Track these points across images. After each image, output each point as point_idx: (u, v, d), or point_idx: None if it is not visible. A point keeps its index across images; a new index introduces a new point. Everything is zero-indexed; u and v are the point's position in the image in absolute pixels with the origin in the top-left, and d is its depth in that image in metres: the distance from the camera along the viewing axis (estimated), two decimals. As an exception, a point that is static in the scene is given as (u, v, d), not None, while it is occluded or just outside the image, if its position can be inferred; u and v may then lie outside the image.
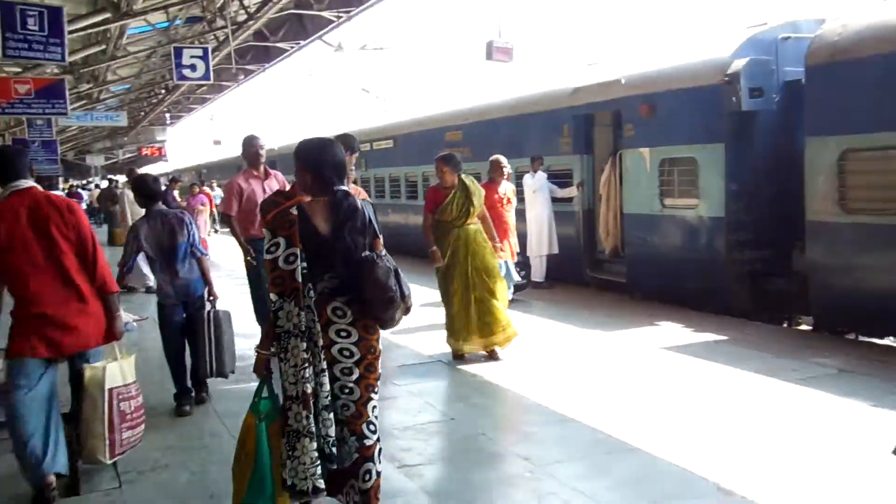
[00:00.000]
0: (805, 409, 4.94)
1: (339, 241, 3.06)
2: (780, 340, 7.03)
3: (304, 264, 3.00)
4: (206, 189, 20.08)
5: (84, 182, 40.32)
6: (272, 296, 3.01)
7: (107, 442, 3.88)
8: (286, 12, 16.21)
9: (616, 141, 10.34)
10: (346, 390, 3.08)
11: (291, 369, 2.97)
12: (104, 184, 30.93)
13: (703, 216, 8.56)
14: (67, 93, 12.92)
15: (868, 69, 6.76)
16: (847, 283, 7.06)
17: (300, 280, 2.97)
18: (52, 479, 3.70)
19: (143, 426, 4.17)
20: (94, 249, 3.88)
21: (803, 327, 8.31)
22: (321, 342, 3.00)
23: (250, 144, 6.55)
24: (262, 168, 6.57)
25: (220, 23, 15.45)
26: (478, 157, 12.70)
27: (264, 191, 6.40)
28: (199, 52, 13.82)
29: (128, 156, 39.41)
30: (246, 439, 3.05)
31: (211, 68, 13.94)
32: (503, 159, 8.47)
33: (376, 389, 3.17)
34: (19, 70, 14.72)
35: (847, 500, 3.60)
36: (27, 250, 3.69)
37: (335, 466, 3.03)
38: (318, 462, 2.94)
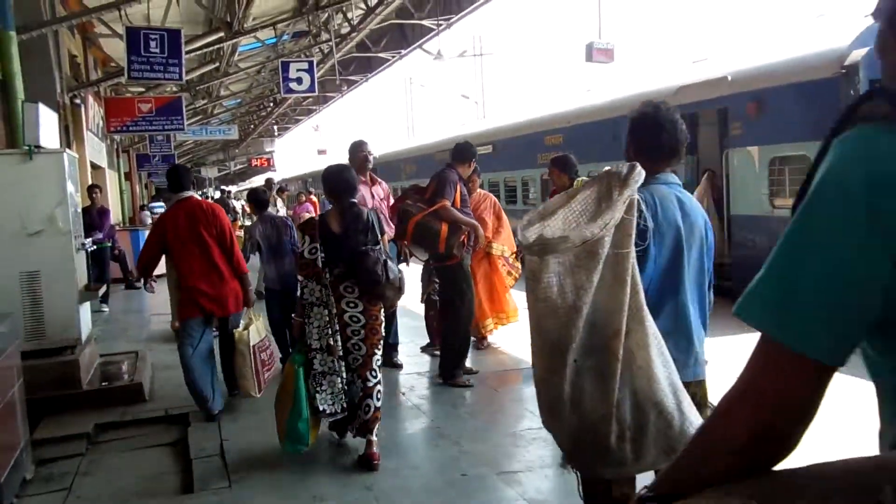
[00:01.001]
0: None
1: (347, 239, 4.22)
2: None
3: (323, 255, 4.17)
4: (313, 197, 20.77)
5: (199, 193, 42.54)
6: (300, 277, 4.28)
7: (254, 382, 5.18)
8: (387, 23, 16.59)
9: (722, 140, 9.98)
10: (356, 347, 4.25)
11: (315, 330, 4.18)
12: (217, 194, 32.54)
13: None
14: (184, 109, 13.68)
15: None
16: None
17: (320, 266, 4.15)
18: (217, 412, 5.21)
19: (276, 365, 5.52)
20: (231, 241, 5.29)
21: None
22: (335, 311, 4.18)
23: (358, 150, 6.45)
24: (368, 174, 6.55)
25: (324, 36, 15.98)
26: (580, 160, 12.56)
27: (372, 197, 6.34)
28: (305, 66, 14.33)
29: (239, 167, 41.28)
30: (286, 382, 4.21)
31: (316, 80, 14.43)
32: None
33: (378, 347, 4.32)
34: (142, 90, 15.73)
35: None
36: (185, 243, 5.14)
37: (348, 401, 4.23)
38: (341, 393, 4.18)
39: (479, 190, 7.33)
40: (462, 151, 6.05)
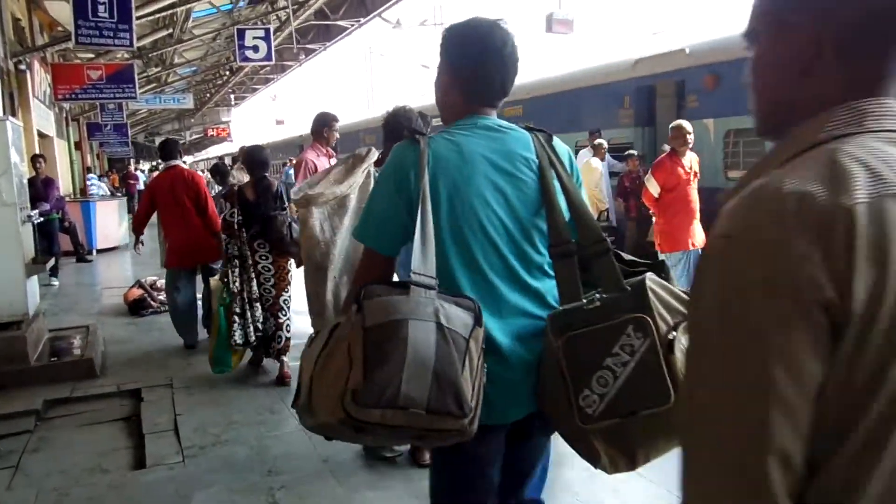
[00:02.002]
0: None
1: (259, 205, 5.21)
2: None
3: (241, 218, 5.14)
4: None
5: (155, 163, 41.59)
6: (224, 236, 5.22)
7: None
8: (346, -11, 16.32)
9: (679, 112, 10.06)
10: (268, 291, 5.25)
11: (235, 278, 5.12)
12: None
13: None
14: (136, 77, 13.30)
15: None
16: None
17: (237, 227, 5.12)
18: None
19: None
20: (205, 203, 6.27)
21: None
22: (250, 262, 5.15)
23: (326, 125, 6.27)
24: (327, 149, 6.38)
25: (281, 3, 15.64)
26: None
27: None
28: (262, 33, 14.03)
29: (194, 137, 40.49)
30: (214, 319, 5.21)
31: (273, 49, 14.15)
32: (687, 125, 6.76)
33: (286, 291, 5.30)
34: (92, 56, 15.24)
35: None
36: (168, 204, 6.19)
37: (261, 333, 5.20)
38: (251, 328, 5.12)
39: None
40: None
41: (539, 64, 14.81)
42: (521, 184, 1.80)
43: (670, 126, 6.77)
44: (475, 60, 1.86)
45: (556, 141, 1.93)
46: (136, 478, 3.85)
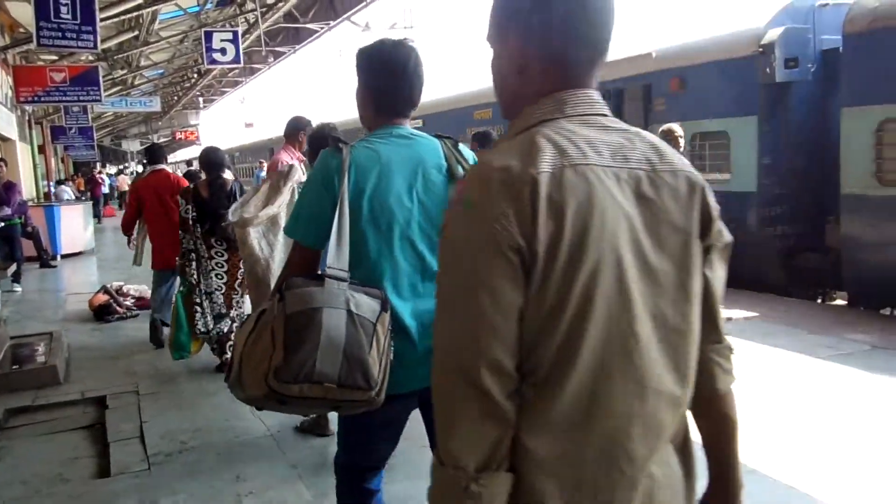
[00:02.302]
0: (836, 386, 4.84)
1: (212, 203, 5.37)
2: (814, 316, 6.89)
3: (195, 214, 5.35)
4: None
5: (120, 167, 41.05)
6: (180, 231, 5.45)
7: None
8: (316, -8, 16.24)
9: (647, 116, 10.17)
10: (219, 287, 5.43)
11: (192, 271, 5.38)
12: (140, 168, 31.42)
13: (734, 191, 8.39)
14: (101, 79, 13.10)
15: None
16: (881, 257, 6.88)
17: (191, 223, 5.35)
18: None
19: None
20: None
21: (838, 303, 8.14)
22: (205, 256, 5.39)
23: (298, 130, 6.28)
24: (297, 154, 6.39)
25: (249, 5, 15.53)
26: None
27: (303, 173, 6.31)
28: (229, 36, 13.90)
29: (162, 140, 39.99)
30: (174, 307, 5.45)
31: (241, 51, 14.03)
32: (678, 128, 6.58)
33: (237, 284, 5.46)
34: (55, 58, 14.97)
35: (872, 477, 3.53)
36: (153, 207, 6.40)
37: (217, 330, 5.41)
38: (211, 318, 5.37)
39: None
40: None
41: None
42: (432, 184, 2.06)
43: (660, 130, 6.68)
44: (383, 77, 2.12)
45: (462, 146, 2.23)
46: (99, 487, 3.78)
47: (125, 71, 19.50)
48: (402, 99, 2.13)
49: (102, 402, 5.10)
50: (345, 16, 17.27)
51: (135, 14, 13.30)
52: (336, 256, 1.94)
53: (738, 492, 1.30)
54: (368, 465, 2.30)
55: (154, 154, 6.98)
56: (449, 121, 14.46)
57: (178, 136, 36.62)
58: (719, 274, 1.25)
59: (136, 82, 22.71)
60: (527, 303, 1.03)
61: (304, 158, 6.51)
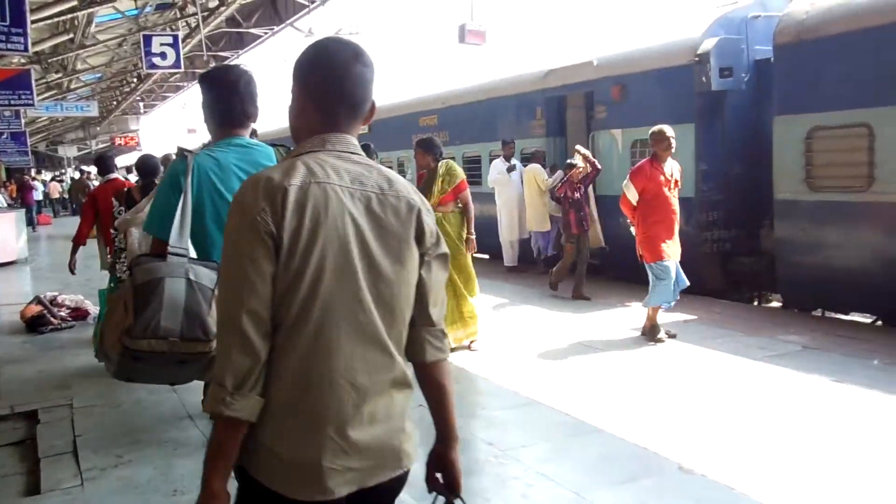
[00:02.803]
0: (769, 387, 4.99)
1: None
2: (749, 319, 7.10)
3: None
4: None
5: (56, 174, 39.78)
6: (112, 231, 5.72)
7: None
8: (259, -3, 16.03)
9: (589, 123, 10.34)
10: None
11: (124, 269, 5.50)
12: (76, 174, 30.55)
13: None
14: (34, 83, 12.69)
15: (834, 47, 6.79)
16: (813, 260, 7.13)
17: None
18: None
19: None
20: None
21: (773, 305, 8.39)
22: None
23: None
24: None
25: (190, 9, 15.23)
26: (454, 142, 12.67)
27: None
28: (169, 40, 13.62)
29: (101, 146, 38.91)
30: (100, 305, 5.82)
31: (182, 56, 13.75)
32: (669, 130, 6.44)
33: None
34: (-15, 61, 14.44)
35: (806, 475, 3.64)
36: (110, 214, 6.32)
37: None
38: None
39: None
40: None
41: (453, 74, 14.93)
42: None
43: (651, 131, 6.49)
44: (219, 96, 2.60)
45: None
46: (29, 504, 3.65)
47: (60, 74, 18.91)
48: (238, 113, 2.59)
49: (34, 417, 4.93)
50: (288, 21, 17.08)
51: (69, 16, 12.92)
52: (178, 238, 2.38)
53: (454, 443, 1.76)
54: None
55: (105, 163, 7.17)
56: (395, 127, 14.45)
57: (118, 141, 35.68)
58: (436, 276, 1.69)
59: (73, 86, 22.04)
60: (277, 271, 1.49)
61: None
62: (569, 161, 8.99)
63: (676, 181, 6.50)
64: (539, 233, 10.39)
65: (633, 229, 6.61)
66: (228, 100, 2.58)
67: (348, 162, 1.63)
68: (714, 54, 7.97)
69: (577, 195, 8.28)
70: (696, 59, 8.11)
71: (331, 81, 1.64)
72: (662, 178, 6.33)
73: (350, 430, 1.53)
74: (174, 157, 2.63)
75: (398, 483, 1.65)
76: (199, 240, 2.51)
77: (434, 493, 1.78)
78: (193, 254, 2.46)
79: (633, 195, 6.40)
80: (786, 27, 7.29)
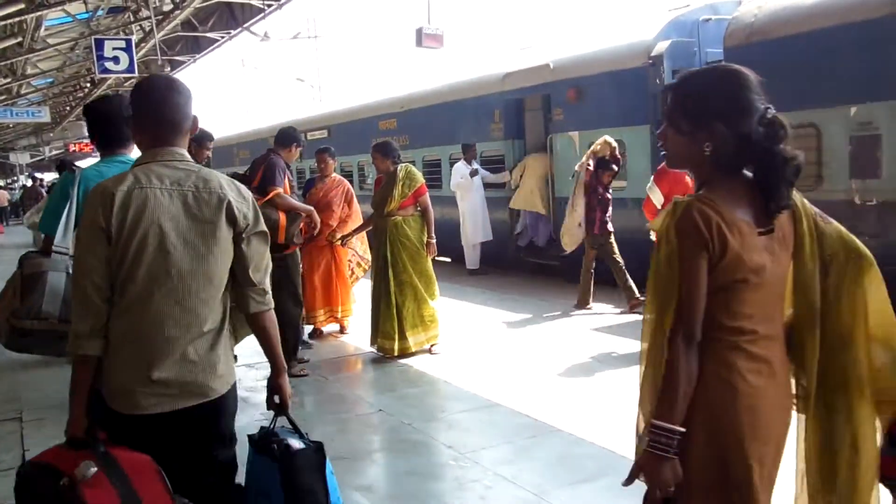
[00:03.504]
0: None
1: None
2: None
3: None
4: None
5: (8, 181, 38.80)
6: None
7: None
8: (214, 1, 15.83)
9: (547, 126, 10.42)
10: None
11: None
12: (28, 182, 29.82)
13: (630, 197, 8.69)
14: (-19, 88, 12.36)
15: (782, 49, 6.94)
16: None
17: None
18: None
19: None
20: None
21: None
22: None
23: (206, 137, 6.20)
24: (202, 163, 6.29)
25: (144, 13, 14.99)
26: (414, 145, 12.67)
27: None
28: (122, 44, 13.37)
29: (55, 152, 38.06)
30: None
31: (135, 60, 13.52)
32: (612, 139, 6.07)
33: None
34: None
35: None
36: None
37: None
38: None
39: (332, 175, 7.10)
40: (285, 136, 5.90)
41: (412, 78, 14.94)
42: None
43: (596, 142, 6.01)
44: (104, 124, 3.01)
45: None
46: (-25, 523, 3.54)
47: (9, 79, 18.47)
48: (119, 137, 2.99)
49: (-20, 432, 4.78)
50: (244, 26, 16.92)
51: (17, 19, 12.62)
52: (62, 238, 2.83)
53: (281, 372, 2.41)
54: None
55: (66, 168, 7.32)
56: (355, 131, 14.39)
57: (72, 148, 34.88)
58: (255, 248, 2.28)
59: (23, 91, 21.54)
60: (110, 253, 2.09)
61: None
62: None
63: None
64: (535, 215, 10.37)
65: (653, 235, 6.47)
66: (111, 126, 2.97)
67: (171, 169, 2.20)
68: (667, 56, 8.09)
69: (607, 194, 7.82)
70: (650, 61, 8.22)
71: (153, 109, 2.23)
72: (689, 179, 5.86)
73: (158, 369, 2.11)
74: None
75: (210, 407, 2.21)
76: None
77: (272, 413, 2.44)
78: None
79: (658, 198, 5.98)
80: (735, 30, 7.43)
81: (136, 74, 14.54)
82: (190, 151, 5.87)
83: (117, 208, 2.08)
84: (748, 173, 1.82)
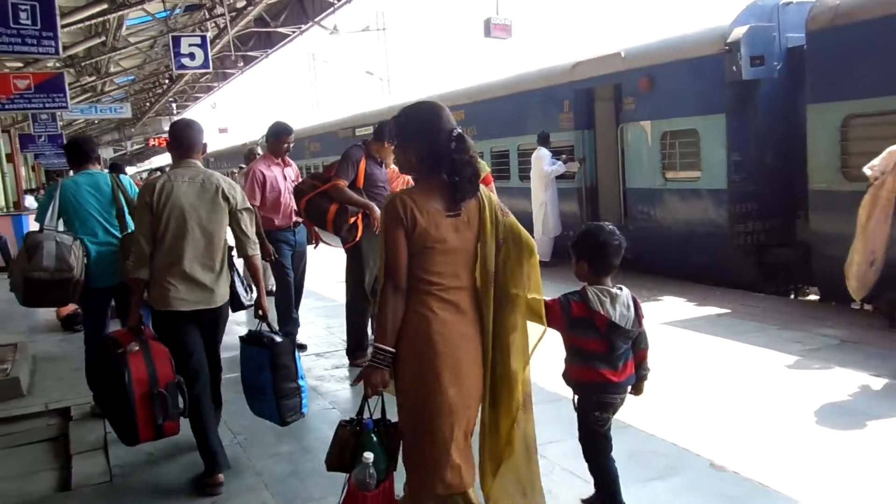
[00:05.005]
0: (804, 381, 4.87)
1: None
2: (785, 312, 6.94)
3: None
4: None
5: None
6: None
7: None
8: (287, -5, 16.07)
9: (618, 115, 10.19)
10: None
11: None
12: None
13: (705, 188, 8.44)
14: (67, 86, 12.87)
15: (869, 32, 6.60)
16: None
17: None
18: None
19: None
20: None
21: (810, 297, 8.20)
22: None
23: (281, 139, 6.20)
24: (284, 157, 6.31)
25: (219, 10, 15.34)
26: (481, 136, 12.61)
27: (284, 178, 6.16)
28: (198, 41, 13.71)
29: (136, 147, 39.47)
30: None
31: (210, 56, 13.84)
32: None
33: None
34: (20, 65, 14.72)
35: (841, 472, 3.54)
36: None
37: None
38: None
39: (392, 166, 7.07)
40: (378, 131, 5.92)
41: (480, 69, 14.86)
42: (103, 193, 4.65)
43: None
44: (74, 154, 4.81)
45: (123, 177, 4.88)
46: (59, 500, 3.70)
47: (94, 77, 19.18)
48: (85, 159, 4.76)
49: (67, 414, 5.00)
50: (315, 20, 17.13)
51: (100, 20, 13.09)
52: (49, 221, 4.39)
53: (262, 293, 3.92)
54: (97, 332, 4.60)
55: (81, 150, 6.44)
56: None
57: (152, 142, 36.17)
58: (243, 219, 3.84)
59: (107, 88, 22.38)
60: (152, 219, 3.63)
61: (290, 163, 6.42)
62: None
63: None
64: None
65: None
66: (81, 154, 4.81)
67: (189, 170, 3.77)
68: (745, 42, 7.79)
69: None
70: (727, 48, 7.94)
71: (179, 138, 3.88)
72: None
73: (184, 284, 3.65)
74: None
75: (221, 311, 3.88)
76: (67, 221, 4.57)
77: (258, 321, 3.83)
78: (61, 228, 4.49)
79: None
80: (819, 13, 7.10)
81: (211, 70, 14.94)
82: (268, 143, 6.05)
83: (157, 193, 3.63)
84: (445, 175, 2.51)
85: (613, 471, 3.15)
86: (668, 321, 6.61)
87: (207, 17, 15.90)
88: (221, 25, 16.19)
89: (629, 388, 3.20)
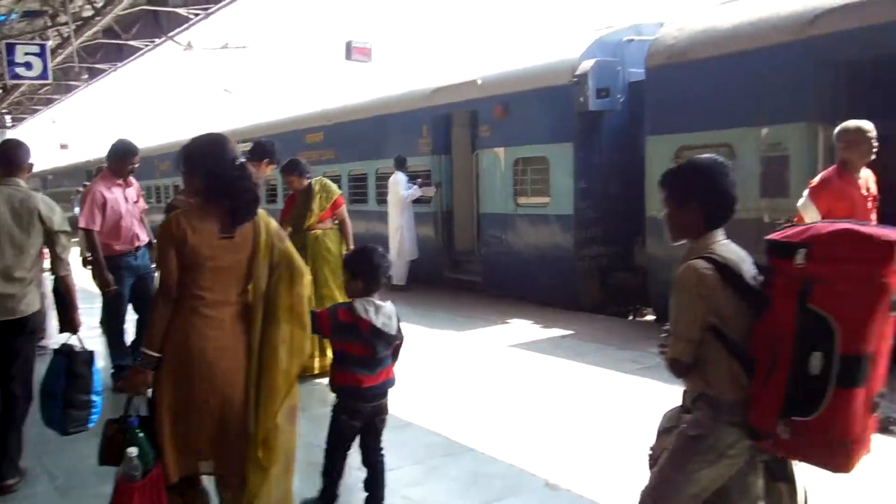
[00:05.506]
0: (639, 399, 5.07)
1: None
2: (624, 332, 7.26)
3: None
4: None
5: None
6: None
7: None
8: (138, 8, 15.33)
9: (473, 141, 10.41)
10: None
11: None
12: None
13: (553, 214, 8.73)
14: None
15: (699, 71, 7.10)
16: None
17: None
18: None
19: None
20: None
21: (647, 318, 8.64)
22: None
23: (126, 159, 5.79)
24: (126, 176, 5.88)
25: (63, 18, 14.42)
26: (340, 160, 12.50)
27: (125, 200, 5.75)
28: (37, 49, 12.79)
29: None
30: None
31: (50, 67, 12.95)
32: (868, 126, 4.44)
33: None
34: None
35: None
36: None
37: None
38: None
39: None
40: (257, 149, 5.83)
41: (340, 91, 14.79)
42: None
43: (841, 128, 4.53)
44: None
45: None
46: None
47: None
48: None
49: None
50: (169, 35, 16.45)
51: (-79, 20, 11.96)
52: None
53: (75, 309, 3.97)
54: None
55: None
56: (281, 144, 14.08)
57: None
58: (59, 240, 3.93)
59: (-69, 97, 20.44)
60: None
61: (132, 183, 5.97)
62: None
63: (875, 196, 4.60)
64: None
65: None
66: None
67: (9, 188, 3.85)
68: (591, 75, 8.18)
69: None
70: (575, 79, 8.30)
71: (8, 157, 3.95)
72: (859, 194, 4.49)
73: None
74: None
75: (20, 323, 3.87)
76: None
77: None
78: None
79: (813, 217, 4.47)
80: (656, 51, 7.57)
81: (51, 81, 13.99)
82: (110, 163, 5.64)
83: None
84: (227, 200, 2.72)
85: (342, 470, 3.57)
86: (514, 344, 6.74)
87: (49, 24, 14.92)
88: (65, 35, 15.23)
89: (387, 393, 3.54)
